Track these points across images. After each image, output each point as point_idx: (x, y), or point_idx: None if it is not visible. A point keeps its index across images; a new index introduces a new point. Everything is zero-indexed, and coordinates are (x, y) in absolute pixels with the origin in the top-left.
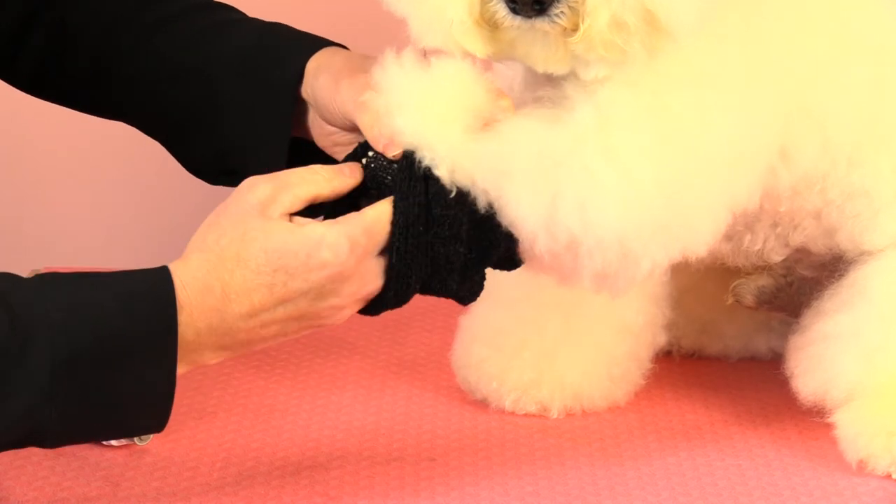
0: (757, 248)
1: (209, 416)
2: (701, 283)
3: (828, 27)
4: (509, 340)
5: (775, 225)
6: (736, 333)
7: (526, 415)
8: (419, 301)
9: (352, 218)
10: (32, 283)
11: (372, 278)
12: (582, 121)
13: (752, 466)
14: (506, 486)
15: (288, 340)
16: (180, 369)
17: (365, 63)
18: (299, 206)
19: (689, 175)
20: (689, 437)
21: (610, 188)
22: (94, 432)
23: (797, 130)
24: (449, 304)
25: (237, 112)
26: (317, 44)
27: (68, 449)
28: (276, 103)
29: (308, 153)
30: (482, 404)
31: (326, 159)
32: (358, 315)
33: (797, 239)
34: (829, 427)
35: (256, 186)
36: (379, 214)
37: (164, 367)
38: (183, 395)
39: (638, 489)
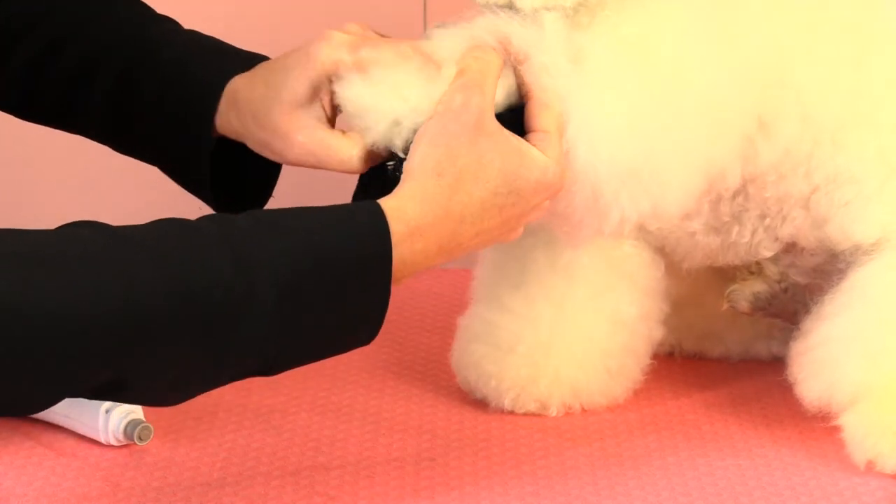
0: (745, 240)
1: (209, 416)
2: (700, 294)
3: None
4: (504, 336)
5: (763, 216)
6: (737, 339)
7: (526, 414)
8: (420, 301)
9: (552, 142)
10: (246, 218)
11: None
12: (551, 29)
13: (752, 466)
14: (506, 486)
15: None
16: (403, 284)
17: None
18: (494, 99)
19: (664, 124)
20: (689, 437)
21: (583, 125)
22: (312, 354)
23: (775, 102)
24: (449, 304)
25: (163, 131)
26: (229, 69)
27: (68, 449)
28: (196, 136)
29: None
30: (482, 404)
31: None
32: None
33: (786, 231)
34: (829, 427)
35: (469, 103)
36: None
37: (380, 288)
38: None
39: (638, 489)
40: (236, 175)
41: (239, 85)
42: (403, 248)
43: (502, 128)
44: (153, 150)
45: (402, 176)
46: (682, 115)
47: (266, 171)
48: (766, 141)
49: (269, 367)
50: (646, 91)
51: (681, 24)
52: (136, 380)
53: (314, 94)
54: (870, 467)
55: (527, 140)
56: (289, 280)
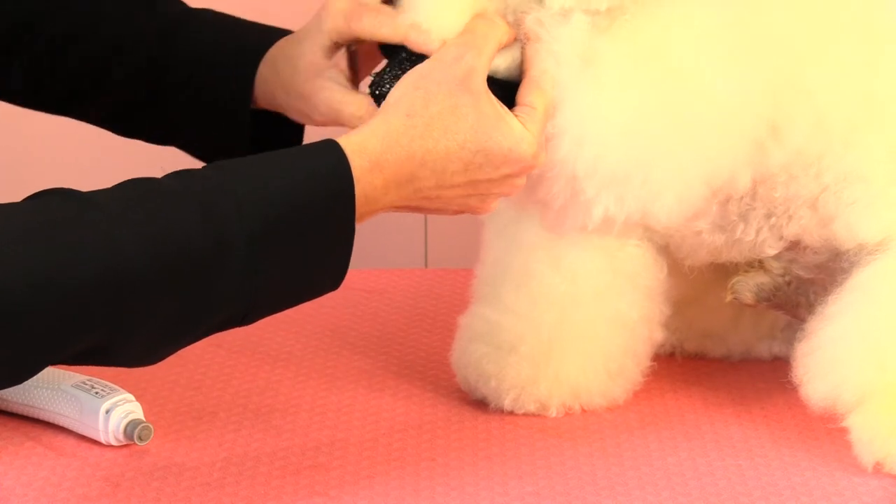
0: (750, 238)
1: (209, 416)
2: (702, 294)
3: (820, 2)
4: (506, 336)
5: (769, 215)
6: (739, 340)
7: (525, 415)
8: (420, 301)
9: (535, 118)
10: (209, 169)
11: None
12: (574, 26)
13: (751, 466)
14: (506, 486)
15: (288, 339)
16: (364, 221)
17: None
18: (490, 65)
19: (663, 134)
20: (689, 437)
21: (571, 119)
22: (286, 300)
23: (788, 106)
24: (449, 304)
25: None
26: (262, 44)
27: (68, 449)
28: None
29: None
30: (482, 404)
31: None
32: (357, 315)
33: (792, 230)
34: (829, 427)
35: (461, 58)
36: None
37: (345, 225)
38: (183, 395)
39: (638, 489)
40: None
41: (266, 60)
42: (365, 182)
43: (488, 91)
44: (183, 137)
45: (377, 112)
46: (688, 125)
47: (289, 137)
48: (777, 144)
49: (245, 315)
50: (649, 100)
51: (697, 30)
52: (119, 341)
53: (328, 60)
54: (878, 469)
55: (514, 111)
56: (256, 226)
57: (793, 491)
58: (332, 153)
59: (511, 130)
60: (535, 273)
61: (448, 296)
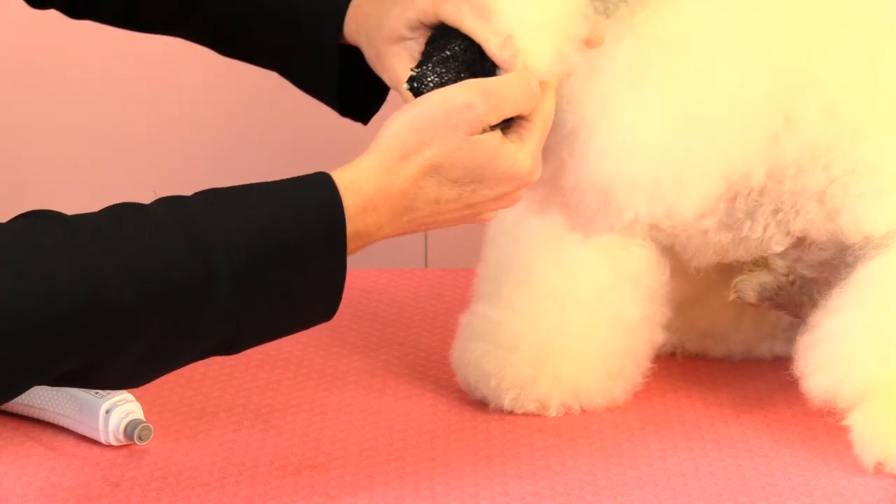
0: (757, 235)
1: (209, 416)
2: (704, 294)
3: None
4: (506, 334)
5: (777, 211)
6: (740, 340)
7: (525, 414)
8: (420, 301)
9: (532, 133)
10: (199, 197)
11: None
12: (620, 63)
13: (751, 466)
14: (506, 486)
15: (289, 339)
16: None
17: None
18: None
19: (692, 138)
20: (689, 437)
21: (612, 138)
22: (272, 331)
23: (800, 99)
24: (449, 304)
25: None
26: None
27: (68, 449)
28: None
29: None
30: (482, 404)
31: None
32: (358, 314)
33: (799, 225)
34: (829, 427)
35: (474, 106)
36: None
37: (336, 262)
38: (183, 395)
39: (638, 489)
40: (355, 80)
41: (360, 2)
42: (357, 221)
43: (487, 130)
44: (276, 58)
45: (370, 146)
46: (710, 126)
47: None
48: (790, 137)
49: (230, 345)
50: (679, 106)
51: (713, 26)
52: (101, 367)
53: (410, 32)
54: (878, 469)
55: (511, 125)
56: (243, 259)
57: (793, 491)
58: (324, 187)
59: (507, 155)
60: (537, 271)
61: (448, 296)
